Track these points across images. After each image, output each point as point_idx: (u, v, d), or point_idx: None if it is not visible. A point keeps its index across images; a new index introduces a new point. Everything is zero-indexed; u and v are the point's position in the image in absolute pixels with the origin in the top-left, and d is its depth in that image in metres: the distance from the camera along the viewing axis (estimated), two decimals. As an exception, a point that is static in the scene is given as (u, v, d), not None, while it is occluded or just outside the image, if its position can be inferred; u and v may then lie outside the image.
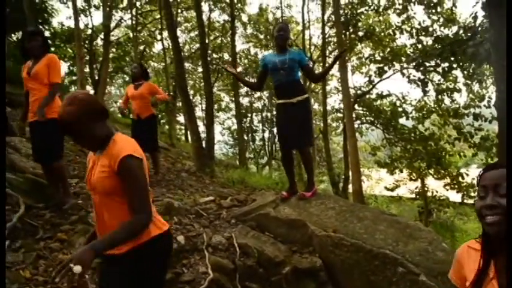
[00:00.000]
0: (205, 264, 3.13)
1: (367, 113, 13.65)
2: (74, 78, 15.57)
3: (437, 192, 12.82)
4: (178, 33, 15.60)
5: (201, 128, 11.87)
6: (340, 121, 16.62)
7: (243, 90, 19.66)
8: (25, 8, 8.62)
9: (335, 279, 3.37)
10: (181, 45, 14.95)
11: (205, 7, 16.32)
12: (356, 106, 13.27)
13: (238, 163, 13.41)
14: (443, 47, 9.86)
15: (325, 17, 13.70)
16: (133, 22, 15.18)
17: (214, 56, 17.98)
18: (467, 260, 1.26)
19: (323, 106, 14.02)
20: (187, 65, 18.87)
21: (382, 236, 3.40)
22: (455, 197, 12.83)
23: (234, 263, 3.24)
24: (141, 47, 18.83)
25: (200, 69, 17.93)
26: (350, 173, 10.92)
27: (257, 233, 3.74)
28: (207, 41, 13.79)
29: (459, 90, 11.67)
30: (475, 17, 8.23)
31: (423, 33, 11.49)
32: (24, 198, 3.45)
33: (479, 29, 8.33)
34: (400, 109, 12.79)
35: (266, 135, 22.52)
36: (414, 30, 11.75)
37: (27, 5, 8.67)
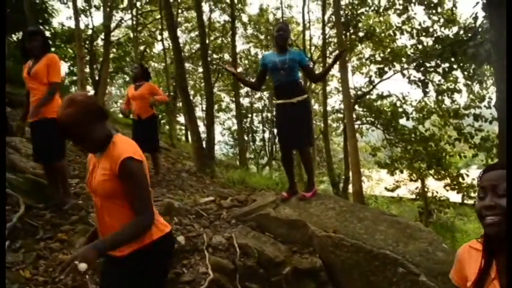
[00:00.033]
0: (206, 264, 3.13)
1: (368, 114, 13.64)
2: (75, 78, 15.57)
3: (437, 192, 12.82)
4: (179, 33, 15.61)
5: (202, 128, 11.86)
6: (340, 122, 16.63)
7: (244, 90, 19.67)
8: (25, 9, 8.63)
9: (335, 280, 3.37)
10: (181, 45, 14.96)
11: (205, 7, 16.34)
12: (356, 107, 13.27)
13: (239, 163, 13.40)
14: (443, 47, 9.85)
15: (326, 18, 13.70)
16: (134, 22, 15.18)
17: (215, 56, 17.98)
18: (469, 260, 1.26)
19: (323, 107, 14.01)
20: (187, 65, 18.87)
21: (382, 236, 3.40)
22: (455, 197, 12.83)
23: (234, 264, 3.24)
24: (142, 48, 18.84)
25: (200, 69, 17.93)
26: (350, 174, 10.92)
27: (257, 234, 3.74)
28: (207, 41, 13.80)
29: (459, 91, 11.67)
30: (476, 18, 8.23)
31: (423, 33, 11.48)
32: (24, 199, 3.45)
33: (480, 29, 8.32)
34: (400, 110, 12.77)
35: (266, 135, 22.54)
36: (414, 31, 11.74)
37: (28, 6, 8.68)
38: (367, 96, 13.67)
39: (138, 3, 16.36)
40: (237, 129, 18.68)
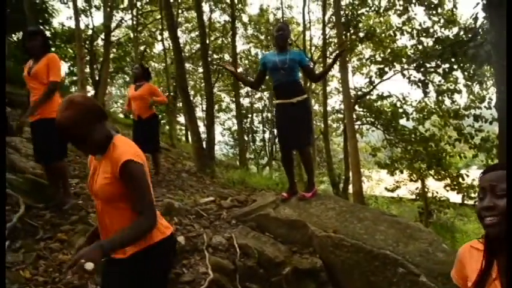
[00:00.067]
0: (206, 264, 3.13)
1: (368, 114, 13.64)
2: (75, 78, 15.57)
3: (437, 193, 12.83)
4: (179, 33, 15.58)
5: (202, 128, 11.86)
6: (340, 122, 16.63)
7: (244, 90, 19.69)
8: (25, 9, 8.63)
9: (335, 280, 3.37)
10: (181, 45, 14.95)
11: (206, 8, 16.35)
12: (356, 107, 13.26)
13: (239, 164, 13.41)
14: (443, 48, 9.84)
15: (326, 18, 13.71)
16: (134, 22, 15.19)
17: (215, 56, 17.99)
18: (470, 260, 1.26)
19: (323, 107, 14.02)
20: (187, 65, 18.88)
21: (382, 236, 3.40)
22: (455, 198, 12.82)
23: (234, 264, 3.24)
24: (142, 48, 18.85)
25: (201, 69, 17.95)
26: (350, 174, 10.92)
27: (257, 234, 3.74)
28: (207, 41, 13.80)
29: (460, 92, 11.67)
30: (476, 18, 8.21)
31: (424, 34, 11.49)
32: (24, 199, 3.45)
33: (480, 30, 8.32)
34: (400, 110, 12.77)
35: (266, 135, 22.56)
36: (415, 31, 11.74)
37: (28, 6, 8.68)
38: (368, 97, 13.67)
39: (139, 3, 16.37)
40: (237, 130, 18.69)
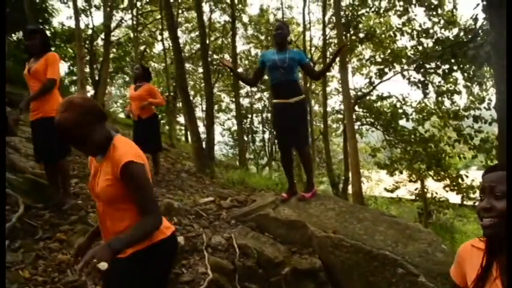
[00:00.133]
0: (205, 264, 3.12)
1: (368, 115, 13.64)
2: (74, 78, 15.57)
3: (437, 193, 12.82)
4: (179, 33, 15.60)
5: (201, 128, 11.89)
6: (340, 122, 16.63)
7: (244, 91, 19.70)
8: (25, 8, 8.62)
9: (335, 280, 3.37)
10: (181, 45, 14.97)
11: (206, 8, 16.37)
12: (356, 107, 13.27)
13: (238, 164, 13.41)
14: (443, 49, 9.85)
15: (326, 19, 13.73)
16: (134, 22, 15.19)
17: (215, 56, 18.00)
18: (470, 258, 1.27)
19: (323, 107, 14.02)
20: (187, 65, 18.89)
21: (381, 237, 3.40)
22: (454, 198, 12.83)
23: (233, 264, 3.24)
24: (142, 48, 18.85)
25: (201, 69, 17.97)
26: (350, 174, 10.92)
27: (257, 234, 3.74)
28: (207, 41, 13.81)
29: (459, 92, 11.68)
30: (476, 19, 8.22)
31: (424, 35, 11.49)
32: (23, 198, 3.45)
33: (480, 31, 8.32)
34: (400, 111, 12.78)
35: (266, 136, 22.57)
36: (415, 32, 11.75)
37: (28, 5, 8.67)
38: (367, 97, 13.69)
39: (139, 3, 16.38)
40: (236, 130, 18.70)
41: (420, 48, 11.70)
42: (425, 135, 12.22)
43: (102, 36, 14.86)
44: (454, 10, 11.04)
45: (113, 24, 15.82)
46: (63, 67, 16.03)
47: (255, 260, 3.30)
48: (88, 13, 15.66)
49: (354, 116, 11.77)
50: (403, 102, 12.99)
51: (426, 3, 11.03)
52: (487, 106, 10.62)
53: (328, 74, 16.01)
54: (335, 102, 28.29)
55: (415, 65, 11.42)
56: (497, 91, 4.99)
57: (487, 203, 1.16)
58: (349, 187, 11.56)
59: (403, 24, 12.13)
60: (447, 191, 12.46)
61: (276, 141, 17.81)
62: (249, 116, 22.01)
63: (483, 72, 10.29)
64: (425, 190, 13.17)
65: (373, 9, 12.86)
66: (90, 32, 15.69)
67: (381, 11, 12.71)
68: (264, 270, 3.28)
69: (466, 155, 12.08)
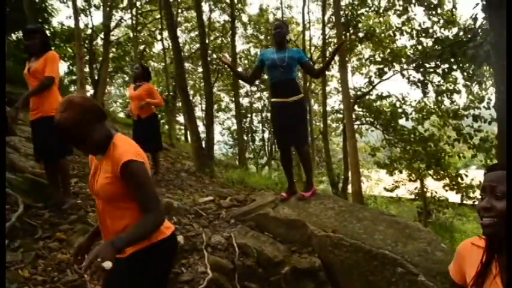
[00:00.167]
0: (205, 264, 3.13)
1: (367, 114, 13.65)
2: (74, 78, 15.56)
3: (436, 193, 12.84)
4: (179, 33, 15.62)
5: (201, 128, 11.87)
6: (340, 122, 16.63)
7: (243, 90, 19.70)
8: (25, 8, 8.61)
9: (334, 280, 3.37)
10: (181, 45, 14.97)
11: (205, 7, 16.36)
12: (356, 107, 13.27)
13: (238, 163, 13.40)
14: (443, 48, 9.86)
15: (326, 18, 13.71)
16: (134, 22, 15.18)
17: (215, 56, 17.99)
18: (469, 256, 1.27)
19: (323, 107, 14.02)
20: (187, 65, 18.88)
21: (381, 236, 3.40)
22: (454, 197, 12.85)
23: (233, 263, 3.24)
24: (141, 47, 18.84)
25: (200, 69, 17.95)
26: (349, 174, 10.92)
27: (256, 233, 3.74)
28: (207, 41, 13.80)
29: (459, 92, 11.69)
30: (475, 19, 8.24)
31: (423, 34, 11.50)
32: (23, 198, 3.45)
33: (479, 30, 8.33)
34: (399, 110, 12.79)
35: (266, 135, 22.56)
36: (414, 32, 11.75)
37: (27, 5, 8.66)
38: (367, 97, 13.68)
39: (138, 3, 16.37)
40: (236, 129, 18.70)
41: (420, 47, 11.71)
42: (424, 134, 12.23)
43: (102, 35, 14.86)
44: (454, 9, 11.05)
45: (113, 24, 15.81)
46: (63, 67, 16.04)
47: (254, 259, 3.30)
48: (87, 13, 15.67)
49: (354, 116, 11.80)
50: (402, 102, 13.00)
51: (426, 3, 11.03)
52: (486, 105, 10.62)
53: (327, 73, 16.01)
54: (335, 101, 28.23)
55: (414, 65, 11.44)
56: (497, 90, 5.00)
57: (487, 203, 1.16)
58: (349, 186, 11.56)
59: (402, 23, 12.12)
60: (447, 190, 12.48)
61: (275, 140, 17.85)
62: (249, 115, 22.01)
63: (483, 72, 10.29)
64: (425, 189, 13.19)
65: (372, 9, 12.87)
66: (89, 31, 15.68)
67: (381, 11, 12.71)
68: (263, 270, 3.28)
69: (465, 154, 12.10)
